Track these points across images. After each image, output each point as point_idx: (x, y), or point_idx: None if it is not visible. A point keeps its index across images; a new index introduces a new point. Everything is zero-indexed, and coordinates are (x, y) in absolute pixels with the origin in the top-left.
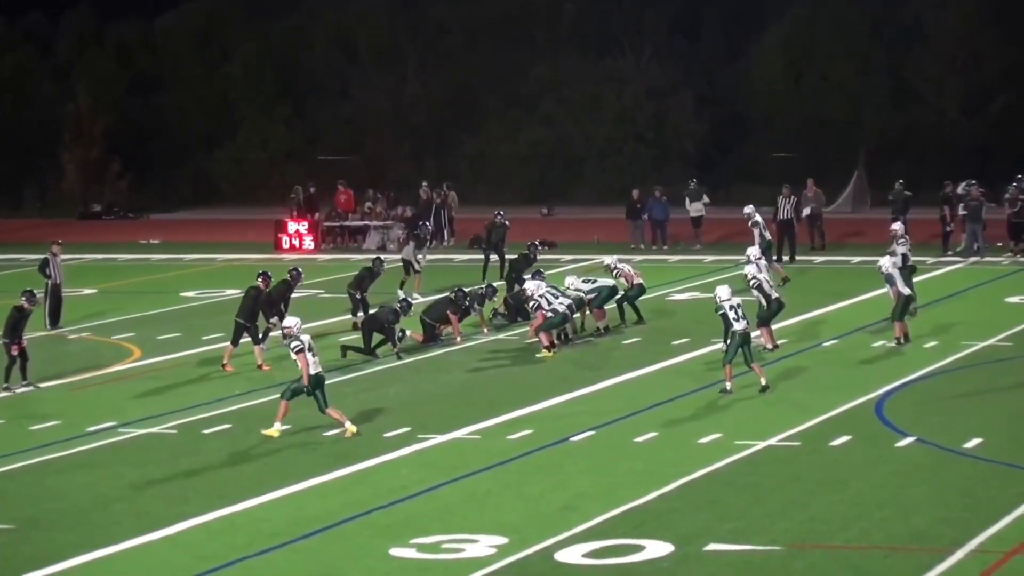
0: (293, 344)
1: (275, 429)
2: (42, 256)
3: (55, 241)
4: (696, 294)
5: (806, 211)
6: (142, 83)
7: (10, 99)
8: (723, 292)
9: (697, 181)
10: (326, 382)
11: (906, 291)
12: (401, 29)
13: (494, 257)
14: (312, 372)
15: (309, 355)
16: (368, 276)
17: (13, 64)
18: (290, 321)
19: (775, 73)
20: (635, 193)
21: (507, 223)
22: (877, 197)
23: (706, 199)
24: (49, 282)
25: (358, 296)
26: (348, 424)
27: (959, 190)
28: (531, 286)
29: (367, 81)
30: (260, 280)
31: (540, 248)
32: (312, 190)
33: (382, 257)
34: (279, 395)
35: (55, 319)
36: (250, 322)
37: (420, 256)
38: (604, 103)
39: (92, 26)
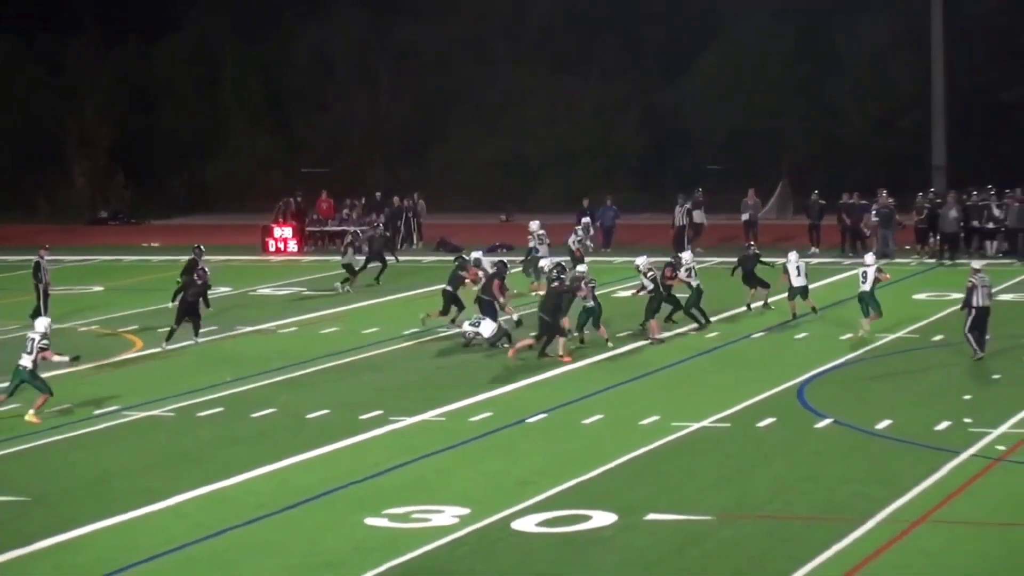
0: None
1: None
2: (35, 259)
3: (42, 246)
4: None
5: (745, 216)
6: (142, 100)
7: (23, 114)
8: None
9: (702, 191)
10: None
11: (799, 282)
12: (374, 49)
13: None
14: (23, 364)
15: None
16: (191, 262)
17: (26, 83)
18: (42, 323)
19: (708, 92)
20: (585, 201)
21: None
22: (799, 204)
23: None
24: (41, 285)
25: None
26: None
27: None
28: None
29: (344, 96)
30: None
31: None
32: (299, 199)
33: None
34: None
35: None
36: None
37: (352, 254)
38: (557, 118)
39: (97, 48)
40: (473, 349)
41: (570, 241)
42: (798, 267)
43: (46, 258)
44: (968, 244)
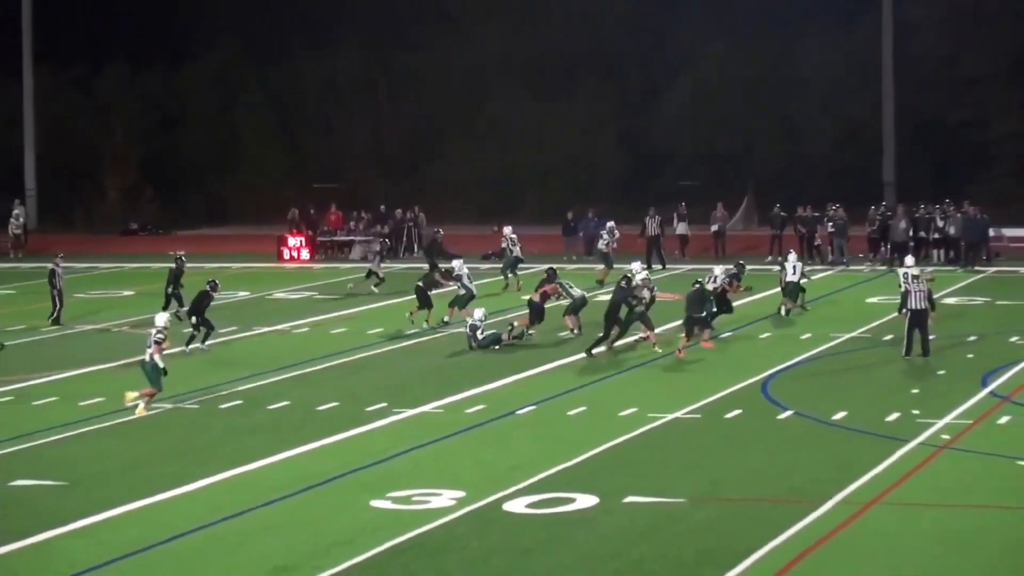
0: (158, 336)
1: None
2: (66, 266)
3: (58, 254)
4: None
5: (714, 227)
6: (167, 122)
7: (61, 135)
8: (718, 269)
9: (685, 205)
10: None
11: (792, 279)
12: (376, 75)
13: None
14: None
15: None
16: (174, 271)
17: (63, 106)
18: (161, 317)
19: (682, 114)
20: (569, 214)
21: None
22: (764, 216)
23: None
24: (56, 290)
25: (170, 291)
26: (141, 403)
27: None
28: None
29: (349, 117)
30: None
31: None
32: (312, 211)
33: (183, 256)
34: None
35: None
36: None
37: (379, 264)
38: (543, 138)
39: (126, 75)
40: (469, 349)
41: (601, 245)
42: (795, 267)
43: (61, 265)
44: (916, 253)
